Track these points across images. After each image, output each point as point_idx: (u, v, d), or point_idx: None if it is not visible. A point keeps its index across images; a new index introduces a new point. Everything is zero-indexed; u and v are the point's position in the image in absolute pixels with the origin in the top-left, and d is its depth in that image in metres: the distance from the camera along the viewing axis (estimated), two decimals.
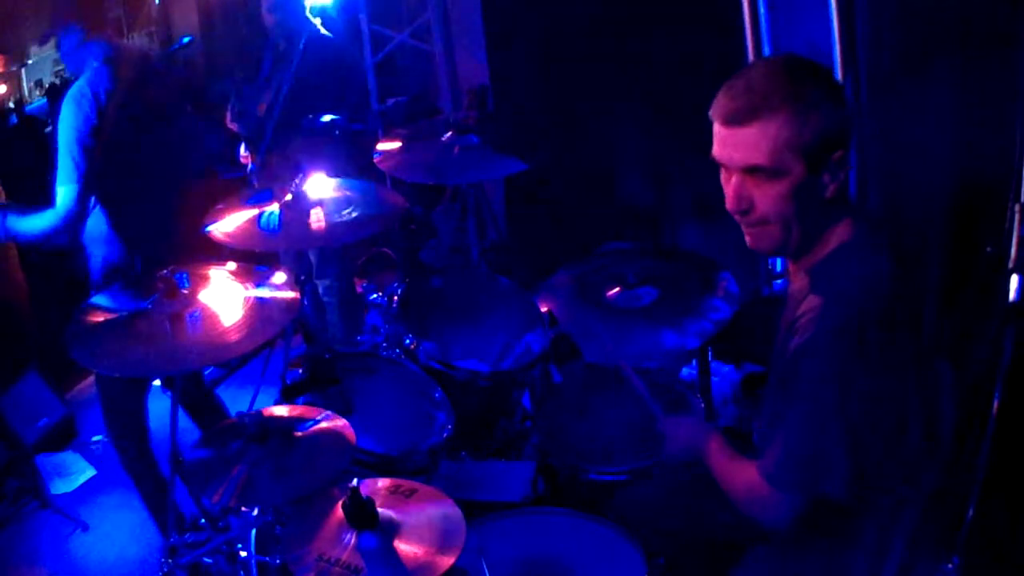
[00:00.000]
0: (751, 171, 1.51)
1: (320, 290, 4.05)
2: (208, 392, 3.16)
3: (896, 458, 1.56)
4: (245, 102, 3.91)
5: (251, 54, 4.06)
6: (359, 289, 4.42)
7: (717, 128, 1.54)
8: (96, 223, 2.70)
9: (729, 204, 1.56)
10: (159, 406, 2.95)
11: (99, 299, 2.33)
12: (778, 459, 1.57)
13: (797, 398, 1.55)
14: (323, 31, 3.87)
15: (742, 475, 1.66)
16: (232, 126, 3.95)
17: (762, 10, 3.44)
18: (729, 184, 1.56)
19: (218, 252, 2.41)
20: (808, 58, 1.53)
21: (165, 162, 2.76)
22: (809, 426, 1.53)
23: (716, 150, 1.55)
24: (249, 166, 3.99)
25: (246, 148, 4.01)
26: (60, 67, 3.61)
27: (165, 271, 2.18)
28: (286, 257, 3.86)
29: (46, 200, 2.65)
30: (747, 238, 1.60)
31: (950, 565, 2.11)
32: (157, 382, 3.13)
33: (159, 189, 2.76)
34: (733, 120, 1.50)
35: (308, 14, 3.82)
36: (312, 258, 4.09)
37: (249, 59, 4.05)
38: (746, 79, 1.50)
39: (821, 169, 1.50)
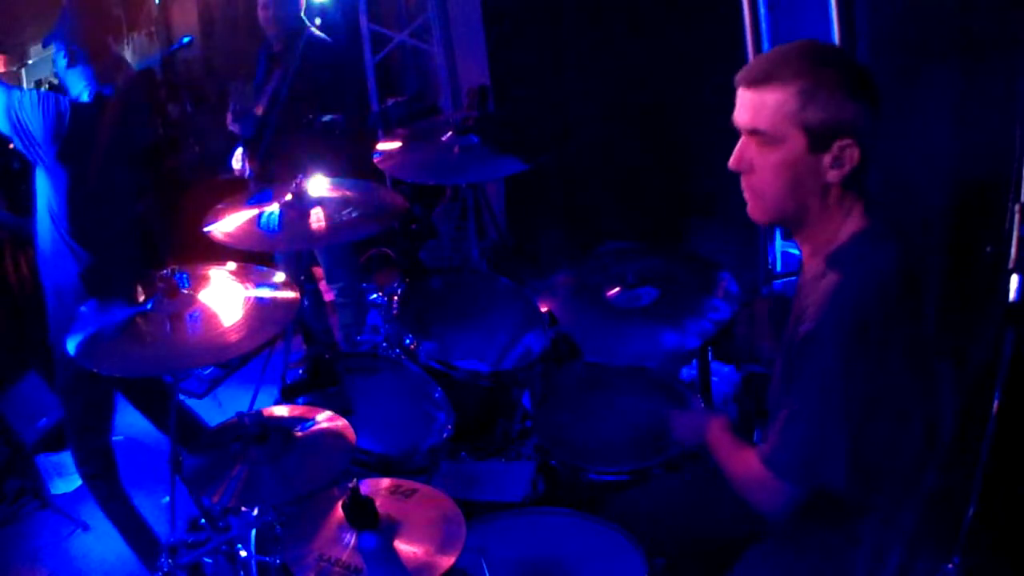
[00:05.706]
0: (754, 133, 1.56)
1: (335, 293, 4.06)
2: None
3: (897, 455, 1.56)
4: (244, 103, 3.89)
5: (250, 54, 4.04)
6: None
7: (738, 91, 1.59)
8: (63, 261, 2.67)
9: (730, 162, 1.61)
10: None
11: (98, 300, 2.32)
12: (778, 445, 1.57)
13: (800, 385, 1.55)
14: (317, 32, 3.86)
15: (743, 459, 1.66)
16: (233, 128, 3.94)
17: (762, 10, 3.44)
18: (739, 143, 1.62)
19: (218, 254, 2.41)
20: (845, 52, 1.54)
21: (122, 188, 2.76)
22: (811, 413, 1.53)
23: (735, 112, 1.60)
24: (247, 172, 3.99)
25: (243, 154, 4.01)
26: None
27: (165, 271, 2.18)
28: (282, 258, 3.87)
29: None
30: (748, 204, 1.64)
31: (950, 565, 2.11)
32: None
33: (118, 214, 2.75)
34: (749, 82, 1.56)
35: (303, 14, 3.83)
36: (322, 262, 4.09)
37: (248, 59, 4.04)
38: (776, 49, 1.57)
39: (822, 151, 1.52)
